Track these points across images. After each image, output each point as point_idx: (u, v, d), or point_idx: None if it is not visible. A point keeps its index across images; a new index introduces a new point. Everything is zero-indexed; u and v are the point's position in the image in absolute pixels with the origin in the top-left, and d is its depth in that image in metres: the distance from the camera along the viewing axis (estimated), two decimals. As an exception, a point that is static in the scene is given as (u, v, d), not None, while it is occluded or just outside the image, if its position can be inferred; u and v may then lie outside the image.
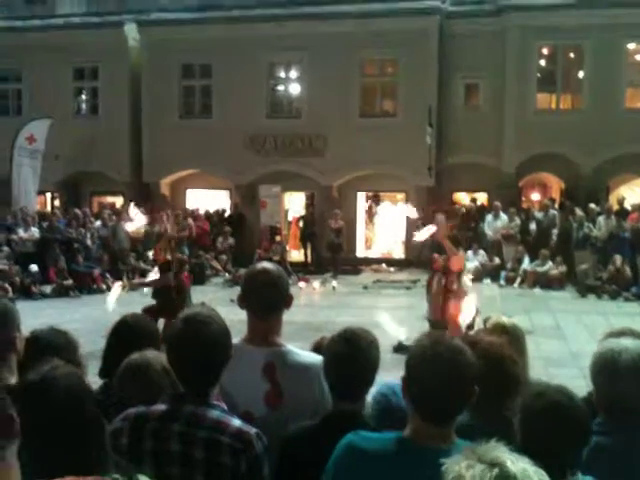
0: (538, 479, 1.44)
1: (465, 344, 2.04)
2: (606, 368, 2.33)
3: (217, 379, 2.18)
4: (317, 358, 2.61)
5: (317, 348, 2.98)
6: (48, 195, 21.73)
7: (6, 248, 15.22)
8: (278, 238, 18.14)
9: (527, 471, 1.44)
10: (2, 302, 2.52)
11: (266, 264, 2.69)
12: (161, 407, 2.14)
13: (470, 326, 8.54)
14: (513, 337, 3.23)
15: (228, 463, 2.02)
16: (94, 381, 2.90)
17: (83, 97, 21.62)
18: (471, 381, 1.94)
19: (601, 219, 15.77)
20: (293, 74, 20.21)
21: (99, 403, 2.73)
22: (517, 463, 1.45)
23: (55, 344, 2.76)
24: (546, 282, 15.50)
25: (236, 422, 2.10)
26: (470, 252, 15.03)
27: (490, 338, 2.65)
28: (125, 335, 2.91)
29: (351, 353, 2.28)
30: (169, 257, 10.34)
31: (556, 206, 17.67)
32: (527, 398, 2.10)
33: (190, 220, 18.08)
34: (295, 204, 21.20)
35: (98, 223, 17.43)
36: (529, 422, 2.03)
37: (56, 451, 1.59)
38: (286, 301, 2.60)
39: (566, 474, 1.96)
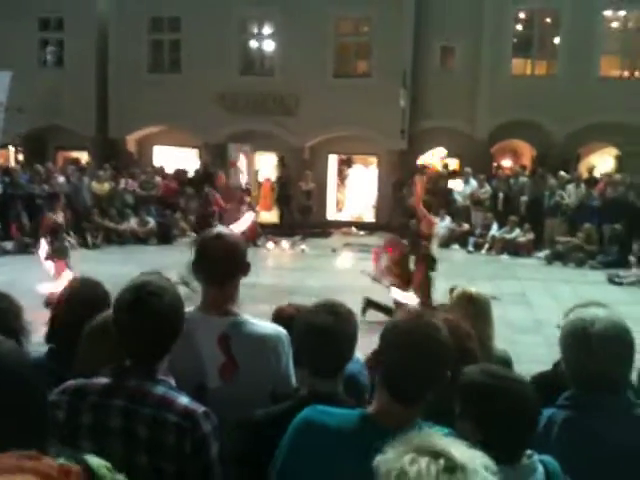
0: (483, 465, 1.32)
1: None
2: (578, 340, 2.19)
3: (165, 353, 2.03)
4: (275, 328, 2.48)
5: (278, 318, 2.83)
6: (11, 149, 21.07)
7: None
8: (248, 199, 17.86)
9: (474, 459, 1.32)
10: None
11: (221, 229, 2.53)
12: (102, 380, 2.00)
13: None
14: (479, 307, 3.20)
15: (172, 442, 1.89)
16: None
17: (48, 49, 20.84)
18: (445, 360, 1.85)
19: (571, 187, 15.82)
20: (266, 30, 19.71)
21: (46, 371, 2.60)
22: (461, 449, 1.33)
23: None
24: (514, 249, 15.58)
25: (183, 400, 1.97)
26: (438, 218, 14.98)
27: (445, 315, 2.56)
28: (73, 299, 2.76)
29: (334, 324, 2.14)
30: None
31: (526, 173, 17.67)
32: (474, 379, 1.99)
33: (158, 178, 17.70)
34: (266, 165, 20.87)
35: (62, 179, 16.96)
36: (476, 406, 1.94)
37: None
38: (243, 268, 2.45)
39: (519, 457, 1.88)
